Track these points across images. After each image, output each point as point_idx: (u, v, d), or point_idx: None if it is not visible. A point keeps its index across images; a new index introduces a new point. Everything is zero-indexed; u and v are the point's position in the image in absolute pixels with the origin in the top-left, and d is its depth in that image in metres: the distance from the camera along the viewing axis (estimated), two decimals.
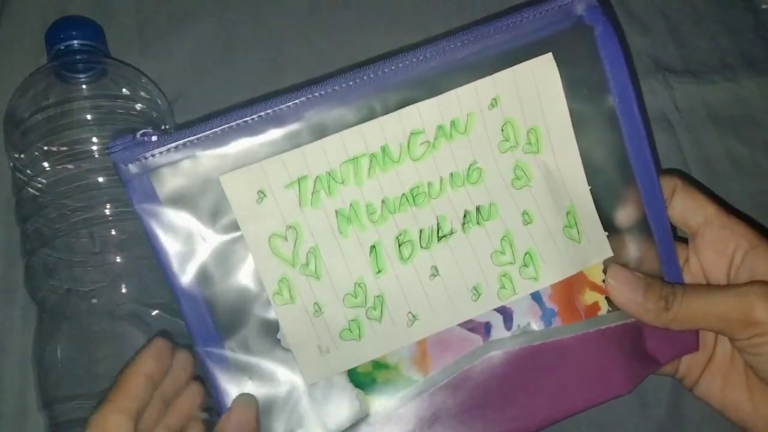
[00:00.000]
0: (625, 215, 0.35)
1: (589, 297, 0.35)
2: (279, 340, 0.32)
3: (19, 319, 0.43)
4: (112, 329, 0.39)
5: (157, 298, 0.40)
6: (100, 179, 0.41)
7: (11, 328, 0.43)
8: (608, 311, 0.35)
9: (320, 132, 0.31)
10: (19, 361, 0.42)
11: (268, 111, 0.31)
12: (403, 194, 0.32)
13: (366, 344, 0.32)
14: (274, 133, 0.31)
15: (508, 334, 0.33)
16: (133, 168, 0.30)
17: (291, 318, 0.32)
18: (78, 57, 0.43)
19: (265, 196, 0.31)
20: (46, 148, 0.41)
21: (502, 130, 0.33)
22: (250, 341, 0.32)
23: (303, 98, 0.31)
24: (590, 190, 0.34)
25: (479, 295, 0.33)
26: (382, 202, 0.32)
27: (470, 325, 0.33)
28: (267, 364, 0.32)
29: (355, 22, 0.51)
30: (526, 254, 0.33)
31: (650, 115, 0.49)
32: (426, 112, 0.32)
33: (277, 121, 0.31)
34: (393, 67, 0.31)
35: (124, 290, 0.40)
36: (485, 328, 0.33)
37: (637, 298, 0.33)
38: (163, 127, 0.44)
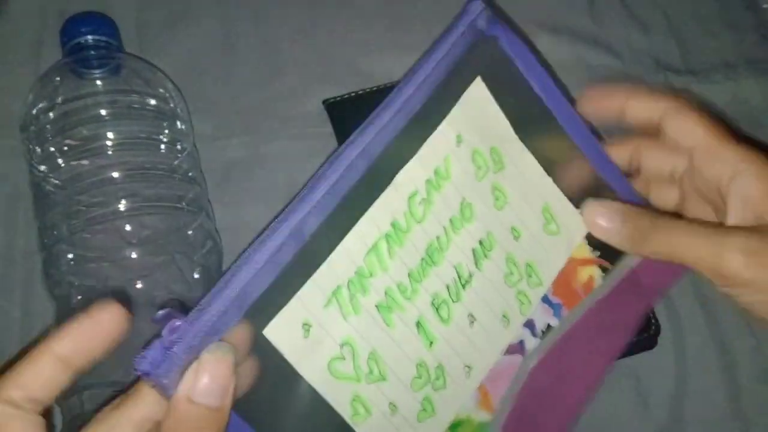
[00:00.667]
0: (580, 180, 0.36)
1: (583, 274, 0.36)
2: None
3: (18, 320, 0.43)
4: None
5: (169, 294, 0.40)
6: (116, 174, 0.41)
7: (11, 327, 0.43)
8: (602, 277, 0.36)
9: (332, 235, 0.30)
10: None
11: (272, 253, 0.28)
12: (422, 258, 0.32)
13: (440, 414, 0.33)
14: (290, 263, 0.29)
15: (536, 341, 0.35)
16: (170, 380, 0.25)
17: (373, 429, 0.31)
18: (92, 52, 0.43)
19: (310, 326, 0.29)
20: (61, 144, 0.41)
21: (473, 160, 0.34)
22: None
23: (295, 221, 0.29)
24: (552, 180, 0.36)
25: (509, 321, 0.34)
26: (408, 275, 0.32)
27: (510, 350, 0.34)
28: None
29: (355, 21, 0.51)
30: (527, 266, 0.35)
31: None
32: (414, 173, 0.32)
33: (282, 256, 0.28)
34: (359, 150, 0.30)
35: (139, 286, 0.40)
36: (520, 345, 0.35)
37: (615, 226, 0.33)
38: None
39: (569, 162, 0.36)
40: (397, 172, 0.31)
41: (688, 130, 0.34)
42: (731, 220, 0.33)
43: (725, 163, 0.33)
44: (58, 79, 0.42)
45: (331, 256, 0.30)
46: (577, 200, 0.36)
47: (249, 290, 0.27)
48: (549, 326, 0.35)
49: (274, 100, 0.49)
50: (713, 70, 0.52)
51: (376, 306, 0.31)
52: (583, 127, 0.36)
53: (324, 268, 0.30)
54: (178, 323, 0.25)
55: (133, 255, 0.40)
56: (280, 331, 0.29)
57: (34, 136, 0.42)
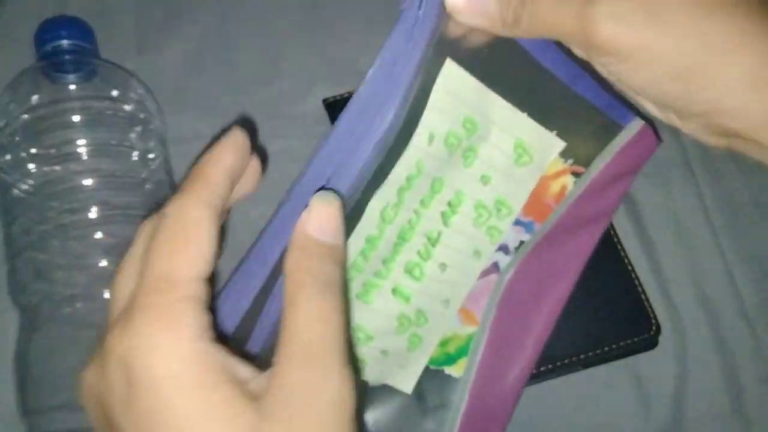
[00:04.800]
0: (558, 102, 0.35)
1: (555, 186, 0.37)
2: (368, 383, 0.35)
3: (15, 322, 0.43)
4: (94, 336, 0.39)
5: None
6: (87, 182, 0.40)
7: (6, 330, 0.43)
8: (574, 183, 0.37)
9: None
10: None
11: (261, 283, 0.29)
12: (394, 244, 0.34)
13: (428, 341, 0.36)
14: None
15: (510, 257, 0.37)
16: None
17: (370, 370, 0.35)
18: (67, 57, 0.43)
19: None
20: (33, 149, 0.40)
21: (446, 144, 0.33)
22: None
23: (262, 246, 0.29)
24: (528, 114, 0.35)
25: (480, 254, 0.36)
26: (383, 262, 0.34)
27: (484, 273, 0.37)
28: (377, 401, 0.36)
29: (355, 20, 0.51)
30: (496, 203, 0.36)
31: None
32: (387, 194, 0.32)
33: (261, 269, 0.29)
34: (351, 179, 0.29)
35: (107, 295, 0.39)
36: (494, 266, 0.37)
37: (488, 9, 0.29)
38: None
39: (543, 87, 0.34)
40: (368, 202, 0.32)
41: None
42: None
43: None
44: (31, 83, 0.42)
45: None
46: (555, 124, 0.36)
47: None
48: (521, 243, 0.37)
49: (274, 100, 0.49)
50: None
51: (356, 295, 0.34)
52: (553, 50, 0.34)
53: None
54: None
55: (102, 263, 0.40)
56: None
57: (5, 141, 0.41)
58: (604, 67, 0.30)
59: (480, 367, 0.37)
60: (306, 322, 0.25)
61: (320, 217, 0.27)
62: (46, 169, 0.40)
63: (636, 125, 0.38)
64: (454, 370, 0.37)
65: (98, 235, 0.40)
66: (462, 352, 0.37)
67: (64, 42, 0.43)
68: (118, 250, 0.40)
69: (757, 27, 0.27)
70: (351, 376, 0.24)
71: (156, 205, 0.41)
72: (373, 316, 0.35)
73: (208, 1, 0.51)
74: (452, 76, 0.32)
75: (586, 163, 0.38)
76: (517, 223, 0.37)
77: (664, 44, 0.27)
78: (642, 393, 0.43)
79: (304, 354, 0.24)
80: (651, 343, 0.44)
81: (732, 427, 0.37)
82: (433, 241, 0.35)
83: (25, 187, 0.40)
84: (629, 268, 0.45)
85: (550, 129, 0.36)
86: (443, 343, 0.37)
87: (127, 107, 0.43)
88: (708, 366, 0.44)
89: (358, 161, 0.29)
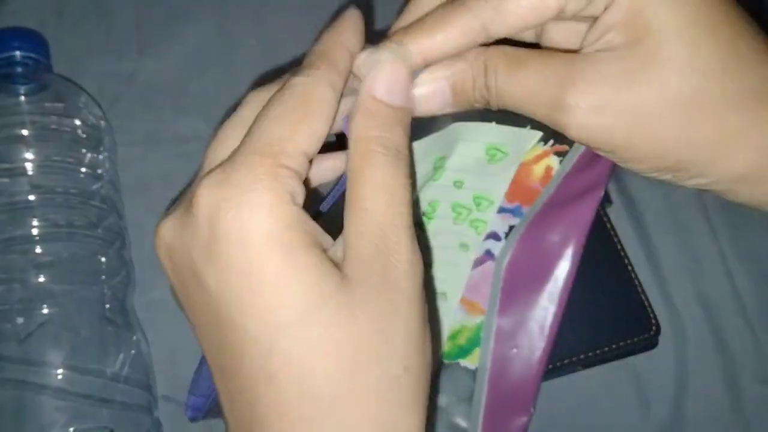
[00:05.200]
0: None
1: (539, 169, 0.37)
2: None
3: None
4: (23, 356, 0.37)
5: (77, 325, 0.39)
6: (31, 197, 0.40)
7: None
8: (560, 162, 0.36)
9: None
10: None
11: None
12: None
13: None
14: None
15: (503, 243, 0.37)
16: None
17: None
18: (19, 69, 0.42)
19: None
20: None
21: (434, 168, 0.35)
22: None
23: None
24: (496, 122, 0.35)
25: (468, 246, 0.37)
26: None
27: (478, 262, 0.37)
28: None
29: None
30: (474, 198, 0.36)
31: None
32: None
33: None
34: None
35: (45, 311, 0.39)
36: (488, 254, 0.37)
37: (448, 103, 0.27)
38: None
39: None
40: None
41: None
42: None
43: None
44: None
45: None
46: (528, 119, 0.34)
47: None
48: (511, 227, 0.37)
49: None
50: None
51: None
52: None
53: None
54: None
55: (41, 279, 0.39)
56: None
57: None
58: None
59: (494, 356, 0.37)
60: (375, 195, 0.24)
61: (389, 77, 0.25)
62: None
63: None
64: (469, 362, 0.37)
65: (38, 250, 0.39)
66: (474, 342, 0.37)
67: (17, 53, 0.42)
68: (57, 267, 0.39)
69: (750, 121, 0.25)
70: (417, 249, 0.24)
71: (99, 222, 0.41)
72: None
73: (208, 1, 0.51)
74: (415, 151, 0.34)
75: (570, 141, 0.36)
76: (502, 210, 0.37)
77: (647, 149, 0.25)
78: (642, 393, 0.43)
79: (374, 228, 0.24)
80: (651, 343, 0.44)
81: (731, 427, 0.37)
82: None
83: None
84: (629, 268, 0.45)
85: (523, 125, 0.35)
86: (453, 336, 0.37)
87: (77, 122, 0.42)
88: (708, 366, 0.44)
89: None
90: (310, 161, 0.25)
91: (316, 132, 0.24)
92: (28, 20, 0.45)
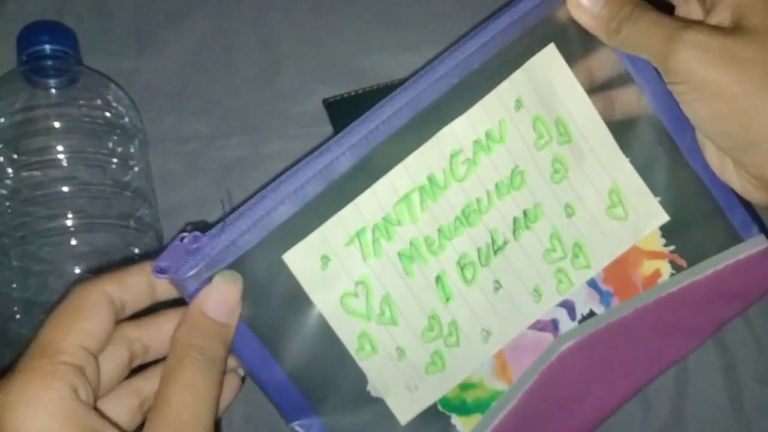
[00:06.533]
0: (669, 171, 0.35)
1: (648, 267, 0.34)
2: (369, 392, 0.32)
3: None
4: None
5: None
6: (65, 188, 0.40)
7: None
8: (671, 275, 0.34)
9: (364, 174, 0.31)
10: None
11: (300, 186, 0.30)
12: (456, 217, 0.32)
13: (450, 371, 0.33)
14: (316, 198, 0.30)
15: (574, 324, 0.34)
16: (191, 285, 0.29)
17: (377, 368, 0.32)
18: (49, 62, 0.42)
19: (329, 260, 0.31)
20: (11, 153, 0.40)
21: (534, 128, 0.33)
22: (341, 402, 0.31)
23: (331, 159, 0.30)
24: (630, 161, 0.34)
25: (540, 296, 0.33)
26: (438, 231, 0.32)
27: (539, 326, 0.34)
28: (363, 417, 0.32)
29: (355, 20, 0.51)
30: (574, 246, 0.34)
31: None
32: (460, 131, 0.32)
33: (310, 189, 0.30)
34: (409, 97, 0.31)
35: None
36: (553, 325, 0.34)
37: (594, 7, 0.32)
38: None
39: (657, 146, 0.34)
40: (442, 127, 0.32)
41: None
42: (710, 19, 0.33)
43: None
44: (11, 87, 0.42)
45: (359, 197, 0.31)
46: (659, 189, 0.34)
47: (272, 216, 0.29)
48: (592, 312, 0.34)
49: (273, 100, 0.49)
50: None
51: (399, 253, 0.32)
52: (677, 109, 0.33)
53: (350, 208, 0.31)
54: (200, 236, 0.29)
55: (77, 270, 0.40)
56: (298, 259, 0.30)
57: None
58: (677, 94, 0.32)
59: None
60: (181, 396, 0.26)
61: (219, 296, 0.29)
62: (24, 174, 0.40)
63: (760, 242, 0.35)
64: (462, 424, 0.33)
65: (74, 242, 0.40)
66: (480, 407, 0.33)
67: (47, 47, 0.42)
68: (93, 258, 0.40)
69: None
70: None
71: (132, 213, 0.42)
72: (407, 295, 0.32)
73: (208, 1, 0.51)
74: (554, 62, 0.33)
75: (691, 260, 0.35)
76: (593, 285, 0.34)
77: (733, 84, 0.30)
78: (641, 393, 0.43)
79: (173, 423, 0.26)
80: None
81: (731, 428, 0.37)
82: (496, 247, 0.33)
83: (3, 191, 0.40)
84: None
85: (654, 193, 0.34)
86: (464, 387, 0.33)
87: (107, 114, 0.43)
88: (708, 366, 0.44)
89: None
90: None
91: (90, 330, 0.27)
92: (28, 20, 0.45)
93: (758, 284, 0.35)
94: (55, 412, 0.25)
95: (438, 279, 0.32)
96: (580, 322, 0.34)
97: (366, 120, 0.30)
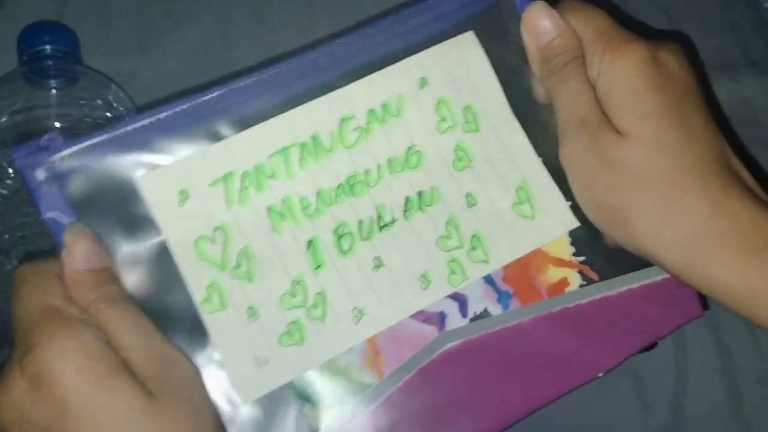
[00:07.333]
0: None
1: (555, 274, 0.32)
2: (212, 354, 0.29)
3: None
4: None
5: None
6: None
7: None
8: (581, 286, 0.32)
9: (243, 126, 0.30)
10: None
11: (184, 106, 0.29)
12: (340, 184, 0.31)
13: (310, 348, 0.29)
14: (193, 129, 0.29)
15: (465, 321, 0.31)
16: (40, 174, 0.28)
17: (223, 327, 0.29)
18: (49, 62, 0.42)
19: (188, 196, 0.29)
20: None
21: (437, 109, 0.32)
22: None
23: (222, 90, 0.30)
24: (543, 161, 0.33)
25: (429, 283, 0.31)
26: (317, 194, 0.31)
27: (423, 317, 0.31)
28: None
29: (355, 21, 0.51)
30: (473, 237, 0.32)
31: None
32: (355, 96, 0.31)
33: (195, 116, 0.29)
34: (315, 55, 0.31)
35: None
36: (440, 318, 0.31)
37: (540, 43, 0.32)
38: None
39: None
40: (335, 89, 0.31)
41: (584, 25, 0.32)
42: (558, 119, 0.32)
43: (592, 65, 0.32)
44: (11, 87, 0.42)
45: (230, 138, 0.30)
46: (571, 194, 0.32)
47: (143, 137, 0.29)
48: (487, 312, 0.31)
49: None
50: (713, 69, 0.51)
51: (268, 207, 0.30)
52: None
53: (219, 146, 0.30)
54: (61, 140, 0.28)
55: None
56: (153, 185, 0.29)
57: None
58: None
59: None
60: (131, 335, 0.28)
61: (80, 251, 0.28)
62: None
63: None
64: (315, 416, 0.29)
65: None
66: (341, 399, 0.29)
67: (47, 47, 0.42)
68: None
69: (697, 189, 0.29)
70: (183, 358, 0.29)
71: None
72: (271, 252, 0.30)
73: (208, 1, 0.51)
74: (472, 50, 0.32)
75: (603, 274, 0.33)
76: (490, 282, 0.32)
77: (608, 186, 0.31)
78: (641, 393, 0.43)
79: (147, 358, 0.27)
80: (651, 344, 0.44)
81: (731, 428, 0.37)
82: (382, 223, 0.31)
83: (3, 191, 0.40)
84: None
85: (566, 197, 0.33)
86: (325, 372, 0.29)
87: (108, 114, 0.43)
88: (707, 366, 0.44)
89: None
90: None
91: (77, 272, 0.28)
92: (28, 20, 0.45)
93: (673, 312, 0.33)
94: (88, 352, 0.26)
95: (310, 243, 0.30)
96: (472, 320, 0.31)
97: (266, 67, 0.30)
